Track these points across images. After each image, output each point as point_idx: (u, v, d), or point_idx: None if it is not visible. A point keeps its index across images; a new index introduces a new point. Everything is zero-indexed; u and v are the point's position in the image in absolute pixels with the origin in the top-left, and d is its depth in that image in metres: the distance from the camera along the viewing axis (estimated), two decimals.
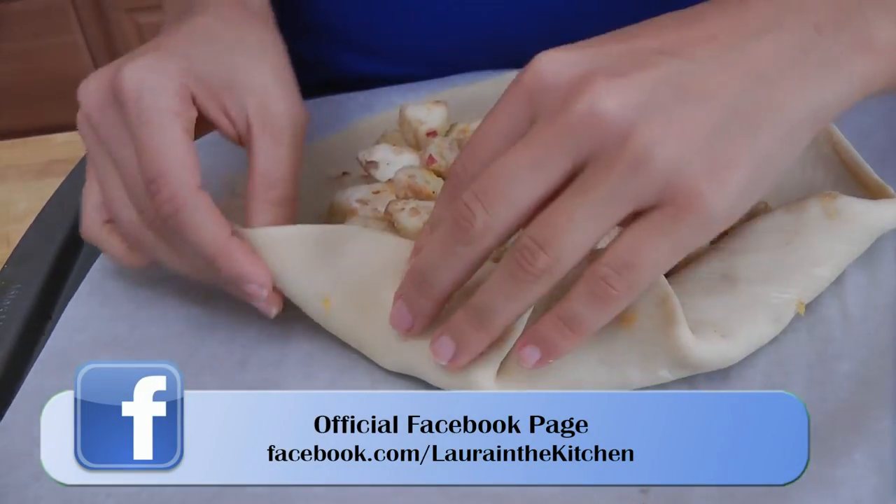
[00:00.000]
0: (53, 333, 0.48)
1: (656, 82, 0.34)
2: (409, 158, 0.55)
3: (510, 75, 0.39)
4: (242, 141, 0.46)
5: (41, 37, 1.91)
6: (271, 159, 0.45)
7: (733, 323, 0.41)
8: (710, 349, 0.40)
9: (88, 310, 0.49)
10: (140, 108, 0.42)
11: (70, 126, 0.59)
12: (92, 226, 0.47)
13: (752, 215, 0.46)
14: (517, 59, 0.38)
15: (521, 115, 0.37)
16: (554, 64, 0.36)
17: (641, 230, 0.35)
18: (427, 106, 0.58)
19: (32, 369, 0.46)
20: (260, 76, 0.46)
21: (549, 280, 0.36)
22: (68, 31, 1.91)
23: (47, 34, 1.91)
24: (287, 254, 0.44)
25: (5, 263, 0.55)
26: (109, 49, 1.94)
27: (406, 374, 0.44)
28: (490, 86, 0.65)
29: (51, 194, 0.62)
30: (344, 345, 0.46)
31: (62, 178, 0.64)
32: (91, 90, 0.44)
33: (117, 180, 0.44)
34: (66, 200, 0.61)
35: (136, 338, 0.48)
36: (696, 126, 0.34)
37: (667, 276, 0.43)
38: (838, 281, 0.45)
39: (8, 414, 0.44)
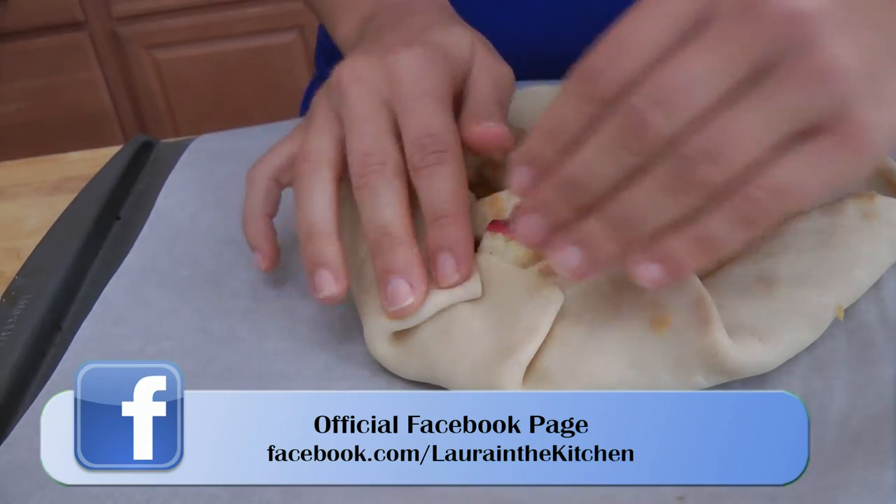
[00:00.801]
0: (66, 354, 0.46)
1: None
2: None
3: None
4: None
5: (60, 73, 1.92)
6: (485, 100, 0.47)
7: (771, 327, 0.40)
8: (747, 354, 0.38)
9: (101, 329, 0.48)
10: (417, 89, 0.44)
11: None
12: (260, 173, 0.51)
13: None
14: (565, 72, 0.36)
15: (692, 9, 0.33)
16: None
17: (804, 154, 0.32)
18: None
19: (43, 389, 0.44)
20: (481, 48, 0.49)
21: (708, 193, 0.33)
22: (87, 68, 1.92)
23: (66, 70, 1.92)
24: None
25: (16, 274, 0.54)
26: (128, 85, 1.95)
27: (428, 383, 0.42)
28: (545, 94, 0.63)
29: (63, 210, 0.61)
30: (361, 357, 0.44)
31: (75, 195, 0.63)
32: (357, 68, 0.45)
33: (376, 127, 0.44)
34: (79, 215, 0.60)
35: (149, 353, 0.46)
36: (877, 53, 0.32)
37: (701, 278, 0.41)
38: (876, 285, 0.43)
39: (15, 429, 0.42)
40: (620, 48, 0.33)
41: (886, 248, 0.43)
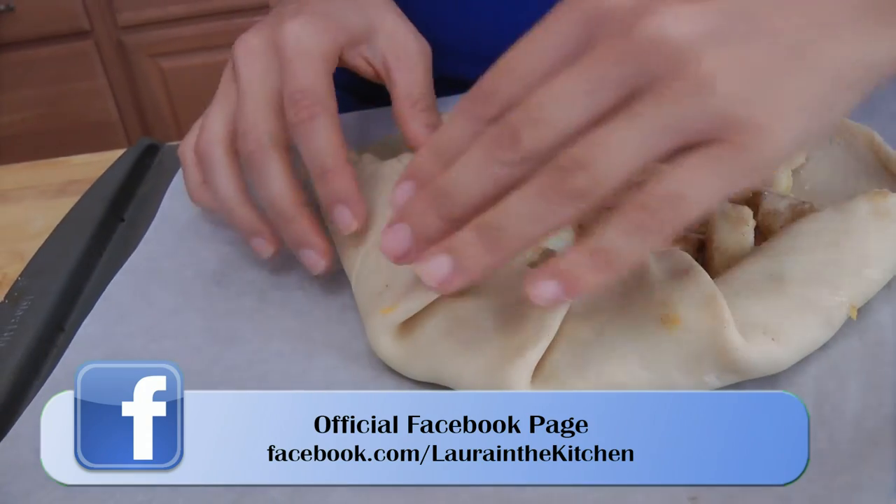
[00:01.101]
0: (67, 352, 0.46)
1: (725, 13, 0.32)
2: None
3: None
4: (381, 78, 0.53)
5: (66, 82, 1.92)
6: (410, 82, 0.52)
7: (784, 326, 0.39)
8: (760, 352, 0.38)
9: (103, 327, 0.48)
10: (298, 50, 0.47)
11: None
12: (186, 149, 0.53)
13: (799, 214, 0.44)
14: None
15: (574, 36, 0.34)
16: None
17: (693, 162, 0.32)
18: None
19: (44, 386, 0.44)
20: (390, 22, 0.53)
21: (582, 204, 0.33)
22: (93, 77, 1.93)
23: (72, 79, 1.92)
24: None
25: (19, 276, 0.54)
26: (133, 93, 1.95)
27: (436, 383, 0.41)
28: None
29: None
30: (367, 359, 0.44)
31: (79, 197, 0.62)
32: (249, 40, 0.49)
33: (254, 102, 0.48)
34: (83, 216, 0.60)
35: (153, 351, 0.46)
36: (759, 62, 0.32)
37: (712, 276, 0.41)
38: (890, 284, 0.43)
39: (15, 426, 0.42)
40: (507, 72, 0.35)
41: None
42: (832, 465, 0.35)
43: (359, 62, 0.53)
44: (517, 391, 0.38)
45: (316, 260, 0.47)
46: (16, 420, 0.42)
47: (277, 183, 0.46)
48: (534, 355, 0.39)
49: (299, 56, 0.47)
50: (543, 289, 0.35)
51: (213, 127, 0.50)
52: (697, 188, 0.32)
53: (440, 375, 0.41)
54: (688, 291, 0.39)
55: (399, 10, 0.55)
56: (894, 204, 0.42)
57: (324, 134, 0.46)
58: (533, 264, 0.43)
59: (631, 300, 0.40)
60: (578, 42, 0.34)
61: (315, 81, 0.47)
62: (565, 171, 0.33)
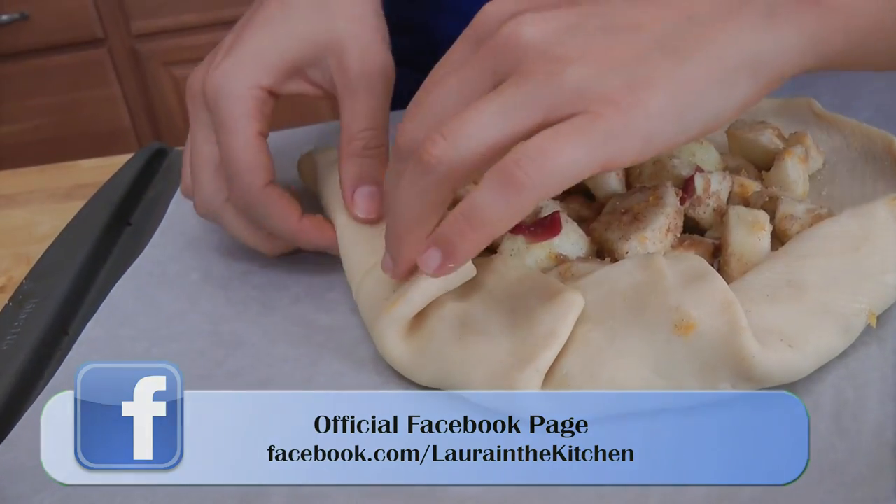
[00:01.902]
0: (69, 355, 0.45)
1: (583, 15, 0.36)
2: None
3: None
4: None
5: (79, 89, 1.93)
6: (350, 115, 0.48)
7: (801, 333, 0.38)
8: (777, 360, 0.37)
9: (107, 330, 0.47)
10: (219, 114, 0.47)
11: None
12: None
13: (816, 220, 0.43)
14: None
15: (468, 50, 0.39)
16: (496, 6, 0.38)
17: (554, 129, 0.34)
18: None
19: (45, 388, 0.43)
20: (352, 34, 0.49)
21: (445, 170, 0.35)
22: (106, 85, 1.93)
23: (85, 87, 1.93)
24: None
25: (24, 278, 0.53)
26: (146, 102, 1.96)
27: (441, 389, 0.40)
28: None
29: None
30: (374, 365, 0.43)
31: (86, 201, 0.62)
32: (190, 85, 0.50)
33: (207, 174, 0.49)
34: (89, 220, 0.59)
35: (155, 355, 0.45)
36: (617, 51, 0.34)
37: (728, 281, 0.40)
38: None
39: (15, 429, 0.41)
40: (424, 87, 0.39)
41: None
42: (853, 475, 0.34)
43: (304, 89, 0.51)
44: (514, 391, 0.37)
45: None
46: (17, 423, 0.42)
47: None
48: (544, 361, 0.37)
49: (222, 123, 0.47)
50: (429, 258, 0.37)
51: (202, 180, 0.50)
52: (562, 148, 0.34)
53: (448, 381, 0.40)
54: (703, 297, 0.38)
55: (369, 16, 0.50)
56: None
57: (266, 216, 0.48)
58: (546, 270, 0.42)
59: (645, 305, 0.38)
60: (466, 59, 0.38)
61: (241, 161, 0.47)
62: (428, 142, 0.35)
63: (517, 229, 0.43)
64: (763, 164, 0.50)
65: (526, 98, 0.35)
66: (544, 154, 0.33)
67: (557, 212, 0.43)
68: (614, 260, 0.42)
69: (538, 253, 0.42)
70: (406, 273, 0.40)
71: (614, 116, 0.33)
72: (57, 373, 0.44)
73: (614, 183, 0.47)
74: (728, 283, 0.40)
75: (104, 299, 0.50)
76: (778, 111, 0.57)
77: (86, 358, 0.45)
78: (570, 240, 0.43)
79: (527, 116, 0.35)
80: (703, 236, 0.45)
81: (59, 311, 0.50)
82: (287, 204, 0.48)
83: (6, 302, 0.52)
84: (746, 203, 0.47)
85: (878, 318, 0.40)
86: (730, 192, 0.47)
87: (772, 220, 0.44)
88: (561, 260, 0.42)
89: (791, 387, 0.38)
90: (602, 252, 0.43)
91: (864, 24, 0.36)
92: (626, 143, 0.34)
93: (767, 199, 0.46)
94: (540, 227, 0.42)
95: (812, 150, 0.51)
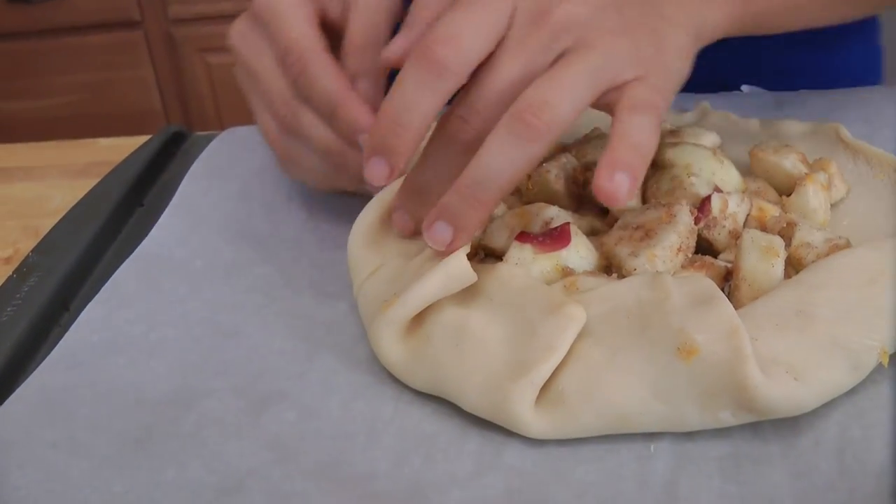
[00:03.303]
0: (67, 334, 0.45)
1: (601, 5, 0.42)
2: None
3: None
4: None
5: (113, 70, 1.94)
6: (358, 26, 0.49)
7: (808, 365, 0.37)
8: (781, 392, 0.35)
9: (107, 311, 0.47)
10: (273, 12, 0.48)
11: None
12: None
13: (834, 249, 0.42)
14: None
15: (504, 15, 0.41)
16: None
17: (555, 69, 0.39)
18: None
19: (41, 365, 0.43)
20: None
21: (553, 136, 0.38)
22: (139, 66, 1.94)
23: (119, 68, 1.94)
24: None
25: (31, 251, 0.53)
26: (178, 86, 1.96)
27: (435, 395, 0.40)
28: None
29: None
30: (369, 365, 0.42)
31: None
32: (237, 26, 0.51)
33: (263, 87, 0.50)
34: (101, 198, 0.59)
35: (152, 339, 0.45)
36: (639, 24, 0.42)
37: (737, 307, 0.39)
38: None
39: (7, 403, 0.41)
40: (452, 44, 0.40)
41: None
42: None
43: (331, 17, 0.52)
44: (525, 418, 0.37)
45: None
46: (7, 397, 0.41)
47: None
48: (540, 375, 0.37)
49: (274, 17, 0.48)
50: (437, 231, 0.40)
51: (269, 80, 0.50)
52: (566, 85, 0.39)
53: (442, 387, 0.39)
54: (709, 321, 0.37)
55: None
56: None
57: (320, 79, 0.46)
58: (551, 282, 0.41)
59: (648, 325, 0.37)
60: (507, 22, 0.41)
61: (295, 34, 0.47)
62: (531, 114, 0.38)
63: (525, 238, 0.42)
64: (784, 189, 0.49)
65: (597, 68, 0.40)
66: (551, 102, 0.38)
67: (568, 224, 0.42)
68: (622, 276, 0.41)
69: (545, 264, 0.41)
70: (395, 176, 0.42)
71: (604, 45, 0.40)
72: (53, 351, 0.44)
73: None
74: (737, 309, 0.39)
75: (108, 278, 0.50)
76: (805, 136, 0.56)
77: (83, 339, 0.44)
78: (579, 253, 0.42)
79: (601, 83, 0.40)
80: (717, 258, 0.44)
81: (61, 287, 0.50)
82: (339, 70, 0.47)
83: (10, 273, 0.51)
84: (763, 227, 0.46)
85: (892, 356, 0.39)
86: (748, 215, 0.46)
87: (788, 246, 0.43)
88: (567, 273, 0.41)
89: (795, 421, 0.37)
90: (611, 267, 0.42)
91: (761, 7, 0.51)
92: (618, 66, 0.40)
93: (785, 225, 0.44)
94: (549, 237, 0.41)
95: (836, 179, 0.49)
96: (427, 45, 0.40)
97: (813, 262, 0.41)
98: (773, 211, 0.46)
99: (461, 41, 0.39)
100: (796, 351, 0.37)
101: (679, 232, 0.41)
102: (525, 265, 0.41)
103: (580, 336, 0.38)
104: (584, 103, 0.39)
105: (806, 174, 0.47)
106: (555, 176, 0.48)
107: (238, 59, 0.51)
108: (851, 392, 0.38)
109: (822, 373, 0.37)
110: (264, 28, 0.49)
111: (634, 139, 0.38)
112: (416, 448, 0.37)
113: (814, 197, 0.46)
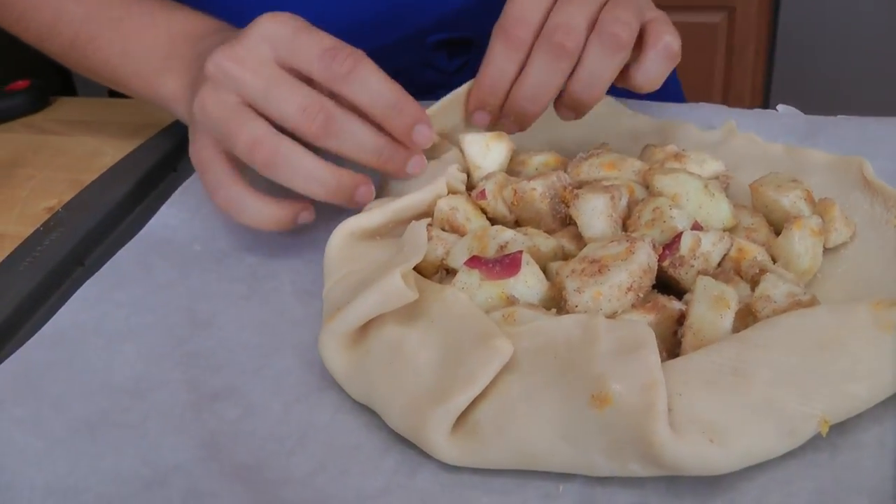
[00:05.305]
0: (62, 309, 0.48)
1: None
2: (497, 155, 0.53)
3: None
4: None
5: None
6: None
7: (730, 428, 0.36)
8: (690, 451, 0.35)
9: (100, 291, 0.50)
10: (296, 26, 0.49)
11: None
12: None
13: (795, 306, 0.40)
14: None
15: None
16: None
17: (609, 6, 0.50)
18: (486, 141, 0.52)
19: (30, 340, 0.46)
20: None
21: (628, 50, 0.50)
22: None
23: None
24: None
25: (61, 206, 0.57)
26: None
27: (368, 406, 0.41)
28: None
29: None
30: (321, 368, 0.43)
31: None
32: (228, 51, 0.49)
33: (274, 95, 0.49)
34: (138, 160, 0.63)
35: (132, 324, 0.47)
36: None
37: (679, 354, 0.38)
38: (885, 406, 0.38)
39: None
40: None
41: None
42: None
43: None
44: (439, 445, 0.37)
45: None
46: (7, 345, 0.46)
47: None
48: (457, 405, 0.37)
49: (298, 30, 0.48)
50: (478, 117, 0.53)
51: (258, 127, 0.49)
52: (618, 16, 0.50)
53: (373, 401, 0.40)
54: (629, 371, 0.36)
55: None
56: None
57: (375, 75, 0.48)
58: (493, 310, 0.42)
59: (570, 367, 0.37)
60: None
61: (331, 38, 0.48)
62: (617, 31, 0.49)
63: (475, 264, 0.42)
64: (781, 227, 0.47)
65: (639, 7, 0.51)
66: (626, 19, 0.49)
67: (520, 252, 0.42)
68: (565, 310, 0.41)
69: (490, 291, 0.42)
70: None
71: None
72: (44, 327, 0.47)
73: (601, 225, 0.45)
74: (678, 356, 0.38)
75: (127, 239, 0.53)
76: (828, 167, 0.53)
77: (72, 317, 0.48)
78: (527, 283, 0.42)
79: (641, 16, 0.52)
80: (682, 298, 0.43)
81: (79, 244, 0.54)
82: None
83: (38, 226, 0.55)
84: (738, 270, 0.44)
85: (839, 426, 0.37)
86: (725, 255, 0.45)
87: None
88: (511, 302, 0.41)
89: (712, 479, 0.36)
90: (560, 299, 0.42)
91: None
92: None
93: (758, 271, 0.43)
94: (499, 264, 0.42)
95: (838, 222, 0.47)
96: (505, 29, 0.49)
97: (768, 317, 0.40)
98: (754, 252, 0.45)
99: (575, 29, 0.49)
100: (722, 411, 0.36)
101: (631, 271, 0.41)
102: (471, 291, 0.42)
103: (506, 369, 0.38)
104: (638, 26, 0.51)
105: (795, 218, 0.45)
106: (540, 195, 0.47)
107: (240, 86, 0.49)
108: (788, 455, 0.37)
109: (747, 436, 0.36)
110: (279, 43, 0.48)
111: (594, 66, 0.50)
112: (336, 459, 0.39)
113: (799, 242, 0.45)
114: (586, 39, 0.49)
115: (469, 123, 0.53)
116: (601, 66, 0.50)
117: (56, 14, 0.61)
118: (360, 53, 0.48)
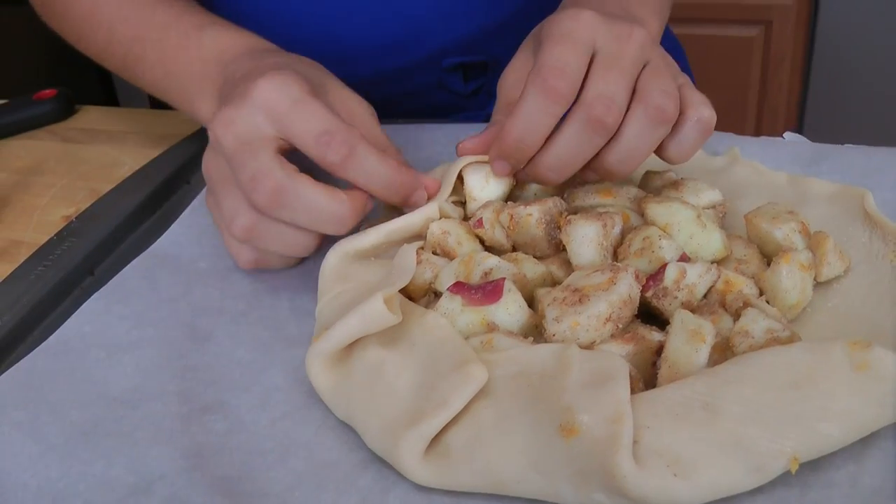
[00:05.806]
0: (68, 321, 0.50)
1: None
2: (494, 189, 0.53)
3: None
4: None
5: None
6: (373, 138, 0.53)
7: (696, 462, 0.36)
8: (654, 486, 0.35)
9: (105, 305, 0.51)
10: (292, 99, 0.48)
11: None
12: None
13: (774, 342, 0.40)
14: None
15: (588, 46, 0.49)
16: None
17: (647, 75, 0.49)
18: (487, 175, 0.52)
19: (37, 349, 0.48)
20: (335, 85, 0.55)
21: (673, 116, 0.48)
22: None
23: None
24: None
25: (76, 216, 0.59)
26: None
27: (349, 424, 0.42)
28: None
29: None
30: (311, 388, 0.44)
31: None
32: (225, 115, 0.50)
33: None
34: (153, 173, 0.65)
35: (133, 337, 0.49)
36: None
37: (654, 386, 0.38)
38: (865, 443, 0.38)
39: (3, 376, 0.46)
40: (560, 70, 0.47)
41: (872, 408, 0.37)
42: None
43: None
44: (411, 465, 0.38)
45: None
46: (15, 350, 0.48)
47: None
48: (430, 429, 0.38)
49: (296, 104, 0.48)
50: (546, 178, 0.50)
51: (236, 208, 0.50)
52: (657, 84, 0.49)
53: (353, 421, 0.42)
54: (598, 403, 0.37)
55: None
56: (877, 358, 0.38)
57: (369, 159, 0.48)
58: (474, 336, 0.42)
59: (542, 397, 0.38)
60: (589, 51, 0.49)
61: (328, 117, 0.48)
62: (661, 100, 0.47)
63: (458, 289, 0.43)
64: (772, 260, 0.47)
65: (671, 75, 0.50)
66: (671, 91, 0.48)
67: (503, 279, 0.43)
68: (543, 338, 0.42)
69: (471, 317, 0.42)
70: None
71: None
72: (51, 337, 0.49)
73: (591, 253, 0.46)
74: (653, 388, 0.39)
75: (138, 250, 0.55)
76: (831, 197, 0.53)
77: (77, 329, 0.49)
78: (508, 310, 0.42)
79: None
80: (665, 328, 0.43)
81: (90, 253, 0.56)
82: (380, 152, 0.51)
83: (52, 236, 0.58)
84: (723, 303, 0.45)
85: (811, 465, 0.37)
86: (711, 287, 0.45)
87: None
88: (492, 328, 0.42)
89: None
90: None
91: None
92: (648, 51, 0.50)
93: (741, 305, 0.43)
94: (481, 291, 0.42)
95: (831, 256, 0.47)
96: (543, 78, 0.47)
97: (744, 352, 0.40)
98: (741, 285, 0.45)
99: (617, 104, 0.47)
100: (688, 444, 0.36)
101: (611, 301, 0.41)
102: (452, 316, 0.43)
103: (480, 394, 0.39)
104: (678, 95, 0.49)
105: (784, 252, 0.45)
106: (536, 220, 0.48)
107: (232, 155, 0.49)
108: (756, 491, 0.37)
109: (712, 470, 0.36)
110: (272, 116, 0.48)
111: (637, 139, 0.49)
112: (313, 475, 0.40)
113: (787, 277, 0.45)
114: (627, 108, 0.48)
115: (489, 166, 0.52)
116: (642, 141, 0.48)
117: (109, 35, 0.64)
118: (354, 138, 0.48)
